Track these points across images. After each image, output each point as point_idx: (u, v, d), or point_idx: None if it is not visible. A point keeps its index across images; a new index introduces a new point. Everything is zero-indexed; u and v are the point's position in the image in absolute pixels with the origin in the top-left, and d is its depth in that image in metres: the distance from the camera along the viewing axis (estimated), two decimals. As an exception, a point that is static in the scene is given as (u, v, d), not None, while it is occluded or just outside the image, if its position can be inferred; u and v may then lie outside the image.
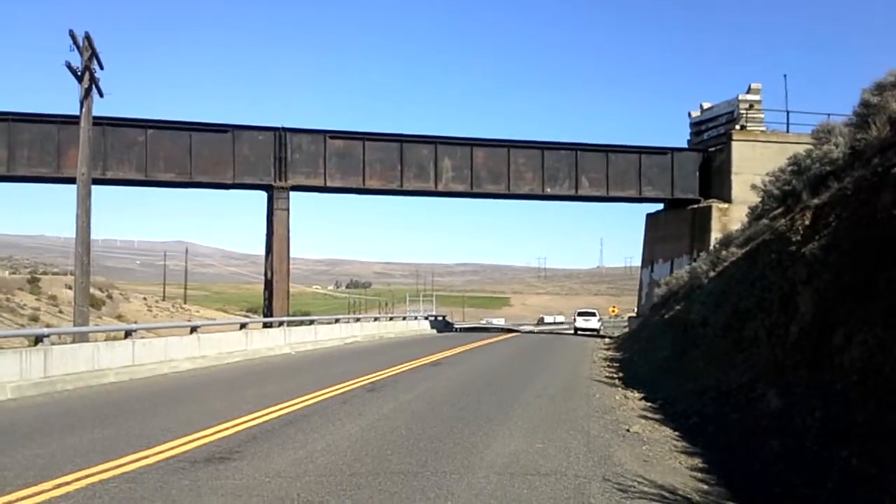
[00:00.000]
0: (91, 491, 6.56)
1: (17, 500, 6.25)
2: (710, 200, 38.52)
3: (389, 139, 37.68)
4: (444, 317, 56.74)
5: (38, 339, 15.12)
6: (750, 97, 39.71)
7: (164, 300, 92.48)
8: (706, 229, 37.12)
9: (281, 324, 28.47)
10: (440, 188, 37.79)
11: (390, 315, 55.37)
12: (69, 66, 21.26)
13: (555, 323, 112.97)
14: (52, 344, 15.25)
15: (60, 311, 58.93)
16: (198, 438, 8.96)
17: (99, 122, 24.92)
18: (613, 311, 74.82)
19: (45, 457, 8.00)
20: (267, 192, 35.39)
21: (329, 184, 36.10)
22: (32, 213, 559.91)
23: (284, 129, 35.39)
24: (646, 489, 7.01)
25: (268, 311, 34.83)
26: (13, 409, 12.02)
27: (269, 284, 35.58)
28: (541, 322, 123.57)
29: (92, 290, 29.20)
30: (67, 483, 6.80)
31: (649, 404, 12.93)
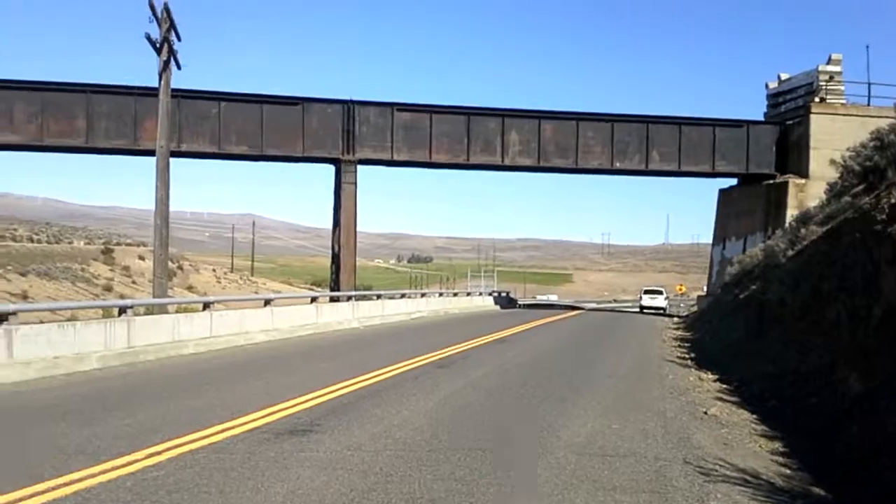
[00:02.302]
0: (182, 461, 6.79)
1: (112, 468, 6.50)
2: (787, 176, 37.28)
3: (457, 112, 37.50)
4: (507, 293, 56.75)
5: (121, 311, 15.65)
6: (830, 68, 38.13)
7: (231, 272, 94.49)
8: (782, 206, 35.99)
9: (349, 298, 28.87)
10: (507, 162, 37.51)
11: (454, 290, 55.60)
12: (149, 38, 21.47)
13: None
14: (134, 315, 15.80)
15: (134, 282, 60.73)
16: (279, 410, 9.20)
17: (174, 94, 25.29)
18: (680, 290, 73.55)
19: (134, 426, 8.30)
20: (335, 165, 35.68)
21: (396, 157, 36.16)
22: (106, 184, 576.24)
23: (353, 102, 35.53)
24: (728, 473, 6.93)
25: (335, 286, 35.29)
26: (100, 378, 12.51)
27: (335, 258, 36.02)
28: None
29: (166, 262, 29.99)
30: (158, 453, 7.03)
31: (725, 386, 12.73)
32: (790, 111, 39.28)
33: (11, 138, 31.80)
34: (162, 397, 10.34)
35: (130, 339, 14.86)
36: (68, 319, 24.60)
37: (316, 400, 10.04)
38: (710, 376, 13.90)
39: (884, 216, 11.96)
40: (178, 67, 22.79)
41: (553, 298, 78.81)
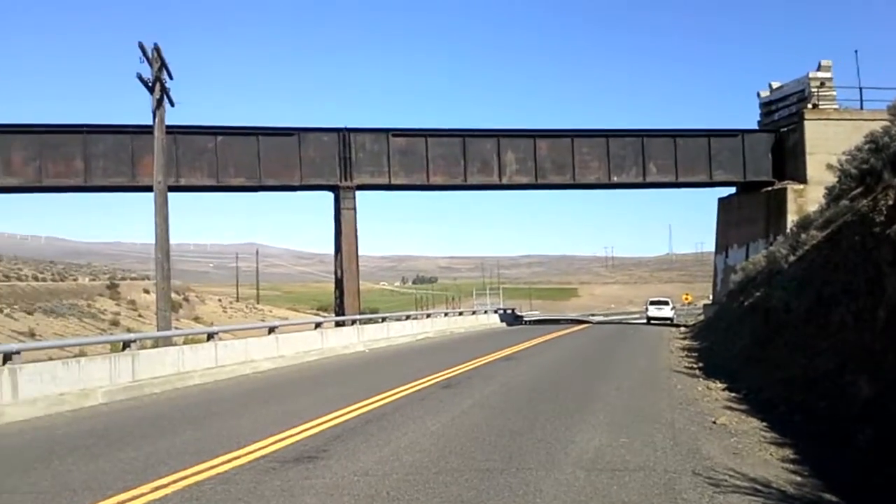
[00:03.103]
0: (188, 493, 6.76)
1: (119, 503, 6.48)
2: (785, 182, 37.39)
3: (452, 134, 37.73)
4: (513, 310, 56.64)
5: (125, 345, 15.66)
6: (821, 74, 38.37)
7: (237, 301, 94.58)
8: (782, 212, 36.05)
9: (354, 322, 28.84)
10: (504, 181, 37.68)
11: (459, 310, 55.55)
12: (140, 78, 21.77)
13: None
14: (139, 348, 15.79)
15: (140, 315, 60.84)
16: (285, 438, 9.16)
17: (171, 130, 25.57)
18: (686, 299, 73.17)
19: (140, 459, 8.27)
20: (333, 192, 35.86)
21: (393, 181, 36.36)
22: (108, 221, 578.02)
23: (348, 130, 35.77)
24: (738, 483, 6.87)
25: (339, 310, 35.31)
26: (106, 413, 12.48)
27: (339, 283, 36.07)
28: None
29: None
30: (164, 486, 7.00)
31: (733, 394, 12.66)
32: (784, 118, 39.48)
33: (10, 181, 32.07)
34: (167, 430, 10.31)
35: (135, 373, 14.83)
36: (76, 355, 24.59)
37: (322, 426, 9.99)
38: (719, 385, 13.84)
39: (882, 218, 11.95)
40: (172, 105, 22.98)
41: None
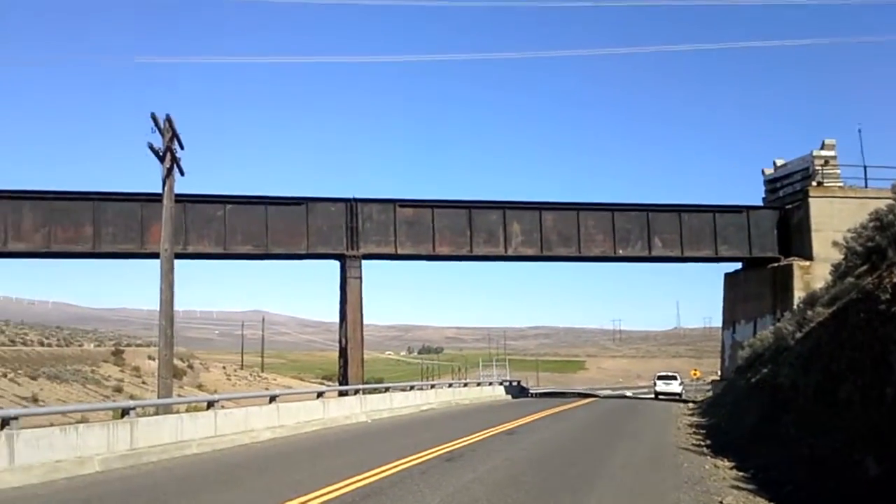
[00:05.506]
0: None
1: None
2: (791, 258, 37.47)
3: (458, 206, 38.02)
4: (518, 382, 56.05)
5: (124, 412, 15.53)
6: (825, 153, 38.87)
7: (242, 369, 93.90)
8: (788, 288, 36.02)
9: (357, 392, 28.56)
10: (510, 252, 37.78)
11: (464, 381, 55.01)
12: (151, 148, 22.01)
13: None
14: (138, 416, 15.65)
15: (143, 382, 60.43)
16: (280, 511, 8.99)
17: (180, 199, 25.86)
18: (695, 375, 72.51)
19: (132, 530, 8.12)
20: (340, 261, 35.98)
21: (400, 251, 36.51)
22: (115, 287, 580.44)
23: (355, 200, 36.13)
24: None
25: (343, 379, 35.01)
26: (100, 481, 12.29)
27: (343, 352, 35.86)
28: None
29: (174, 361, 29.92)
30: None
31: (741, 473, 12.39)
32: (789, 195, 39.86)
33: (19, 246, 32.25)
34: (159, 501, 10.12)
35: (133, 441, 14.65)
36: (78, 421, 24.40)
37: (319, 499, 9.81)
38: (726, 463, 13.57)
39: (887, 296, 11.91)
40: (182, 174, 23.26)
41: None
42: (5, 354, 54.06)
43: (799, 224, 37.98)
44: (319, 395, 25.31)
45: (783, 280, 37.07)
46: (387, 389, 33.13)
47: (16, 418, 12.48)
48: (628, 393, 74.25)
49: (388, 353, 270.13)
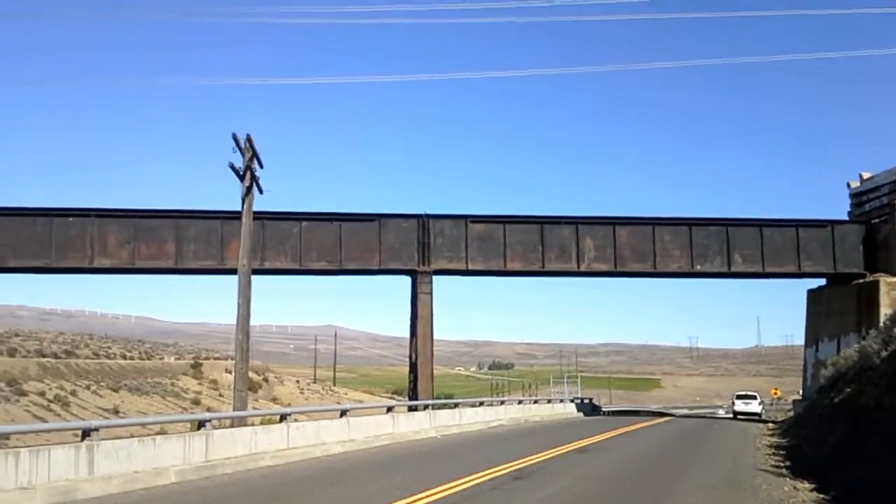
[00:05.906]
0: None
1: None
2: (877, 274, 36.06)
3: (530, 221, 37.84)
4: (590, 399, 55.22)
5: (200, 424, 15.89)
6: (913, 165, 37.32)
7: (314, 383, 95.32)
8: (874, 305, 34.63)
9: (426, 407, 28.60)
10: (582, 268, 37.36)
11: (535, 398, 54.49)
12: (232, 167, 22.67)
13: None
14: (213, 428, 16.00)
15: (220, 395, 61.87)
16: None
17: (258, 216, 26.56)
18: (776, 394, 70.04)
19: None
20: (411, 276, 36.24)
21: (471, 267, 36.55)
22: (195, 302, 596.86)
23: (427, 216, 36.37)
24: None
25: (413, 394, 35.15)
26: (176, 492, 12.61)
27: (413, 367, 36.03)
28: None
29: (250, 374, 30.54)
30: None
31: (822, 496, 11.91)
32: (875, 209, 38.50)
33: (105, 262, 33.70)
34: (234, 512, 10.30)
35: (208, 453, 14.99)
36: (157, 433, 25.18)
37: (387, 514, 9.82)
38: (807, 486, 13.06)
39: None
40: (261, 192, 23.83)
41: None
42: (89, 367, 56.17)
43: (886, 239, 36.55)
44: (389, 409, 25.46)
45: (869, 297, 35.71)
46: (456, 405, 33.08)
47: (96, 430, 12.92)
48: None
49: (458, 368, 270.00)
